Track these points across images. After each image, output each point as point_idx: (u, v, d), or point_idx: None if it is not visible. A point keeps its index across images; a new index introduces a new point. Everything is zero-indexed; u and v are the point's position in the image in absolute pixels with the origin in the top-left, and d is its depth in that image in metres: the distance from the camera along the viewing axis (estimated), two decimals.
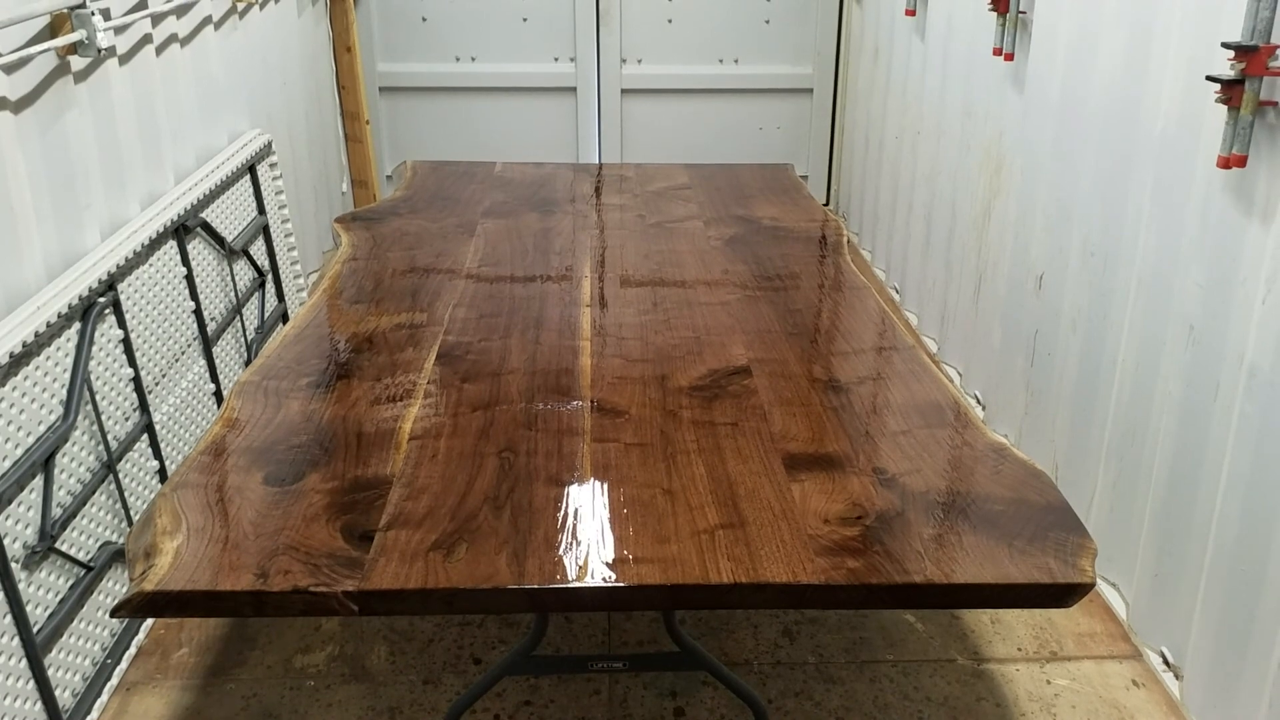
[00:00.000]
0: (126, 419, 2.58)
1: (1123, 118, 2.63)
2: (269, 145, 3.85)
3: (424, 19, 5.47)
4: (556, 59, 5.57)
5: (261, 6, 4.09)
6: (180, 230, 3.02)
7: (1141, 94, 2.55)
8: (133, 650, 2.49)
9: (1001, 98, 3.42)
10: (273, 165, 3.88)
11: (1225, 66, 2.08)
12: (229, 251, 3.36)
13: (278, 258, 3.82)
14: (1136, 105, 2.57)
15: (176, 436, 2.85)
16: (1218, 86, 2.09)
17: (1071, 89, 2.92)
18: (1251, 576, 2.12)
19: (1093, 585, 1.58)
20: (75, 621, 2.27)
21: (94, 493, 2.39)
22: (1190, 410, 2.34)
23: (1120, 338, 2.64)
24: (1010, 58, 3.31)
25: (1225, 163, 2.11)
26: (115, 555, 2.43)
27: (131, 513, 2.54)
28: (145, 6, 3.00)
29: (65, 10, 2.51)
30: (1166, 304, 2.43)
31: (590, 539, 1.66)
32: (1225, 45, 2.07)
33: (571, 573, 1.58)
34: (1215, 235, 2.23)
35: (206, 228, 3.20)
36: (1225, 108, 2.10)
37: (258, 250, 3.67)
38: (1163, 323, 2.45)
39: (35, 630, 2.11)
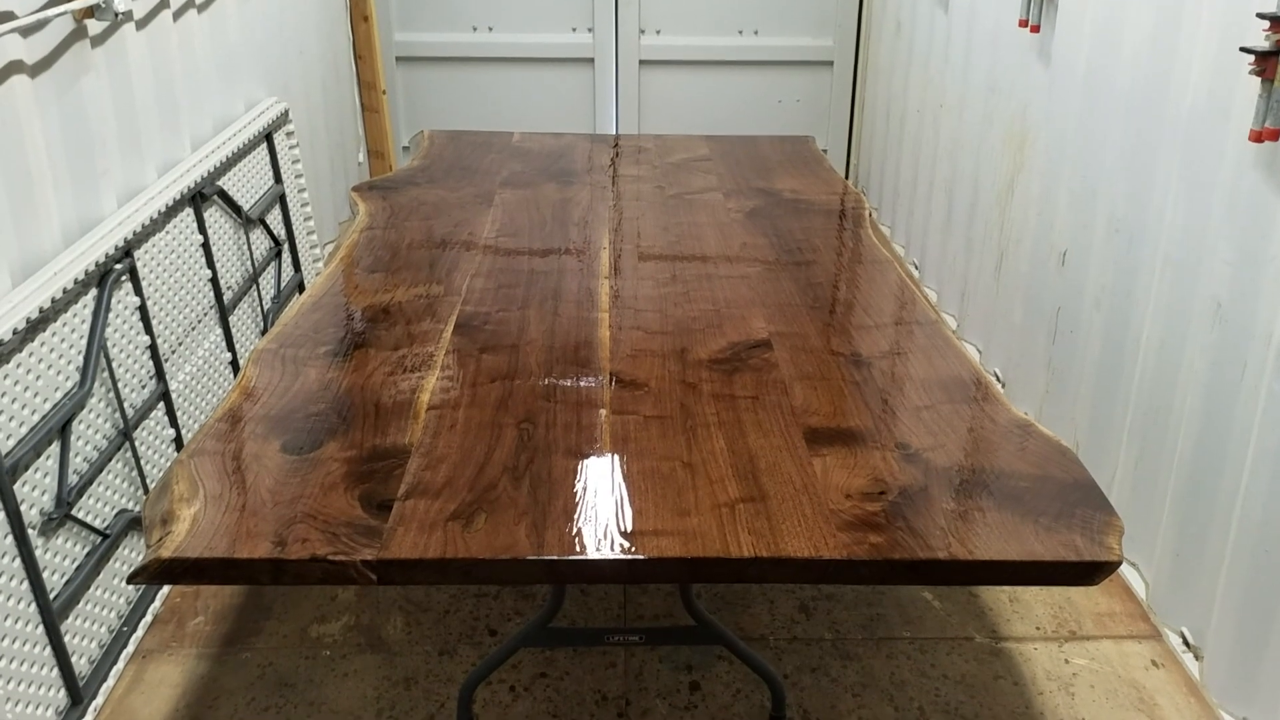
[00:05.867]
0: (143, 386, 2.58)
1: (1151, 90, 2.59)
2: (286, 114, 3.82)
3: None
4: (574, 29, 5.52)
5: None
6: (197, 198, 3.00)
7: (1171, 66, 2.50)
8: (149, 618, 2.50)
9: (1026, 71, 3.37)
10: (289, 134, 3.86)
11: (1260, 37, 2.04)
12: (245, 220, 3.34)
13: (294, 227, 3.81)
14: (1166, 77, 2.52)
15: (192, 405, 2.84)
16: (1251, 58, 2.05)
17: (1099, 61, 2.87)
18: (1276, 557, 2.09)
19: (1119, 564, 1.56)
20: (92, 589, 2.28)
21: (110, 460, 2.39)
22: (1216, 389, 2.30)
23: (1145, 315, 2.60)
24: (1036, 29, 3.26)
25: (1258, 137, 2.07)
26: (131, 523, 2.43)
27: (148, 480, 2.54)
28: None
29: None
30: (1193, 281, 2.39)
31: (609, 511, 1.65)
32: (1260, 15, 2.03)
33: (591, 544, 1.57)
34: (1245, 211, 2.19)
35: (223, 196, 3.19)
36: (1259, 80, 2.06)
37: (274, 219, 3.65)
38: (1189, 300, 2.41)
39: (52, 597, 2.11)
